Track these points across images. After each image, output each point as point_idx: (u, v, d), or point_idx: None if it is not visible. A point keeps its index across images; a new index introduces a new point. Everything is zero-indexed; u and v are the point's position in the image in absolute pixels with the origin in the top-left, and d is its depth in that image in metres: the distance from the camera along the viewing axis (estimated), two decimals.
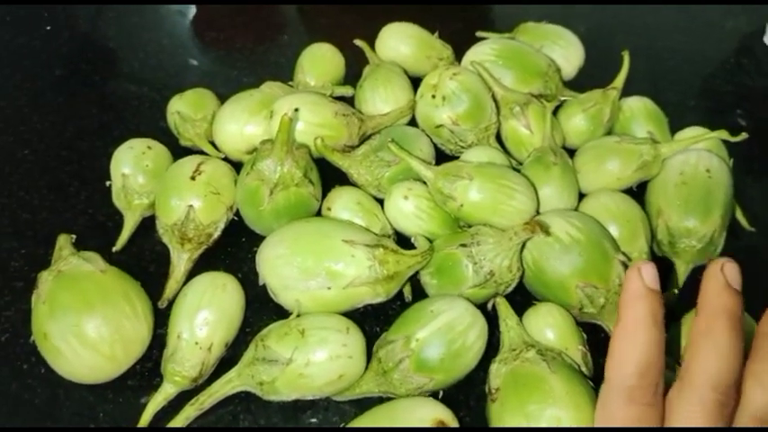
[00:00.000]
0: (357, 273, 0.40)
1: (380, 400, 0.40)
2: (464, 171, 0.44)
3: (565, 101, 0.54)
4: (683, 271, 0.46)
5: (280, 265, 0.41)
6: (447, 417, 0.37)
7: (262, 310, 0.44)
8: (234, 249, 0.48)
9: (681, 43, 0.66)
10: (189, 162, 0.46)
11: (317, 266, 0.40)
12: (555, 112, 0.54)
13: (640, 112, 0.53)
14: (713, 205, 0.46)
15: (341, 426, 0.40)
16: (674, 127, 0.54)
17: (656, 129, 0.53)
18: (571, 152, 0.52)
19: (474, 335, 0.40)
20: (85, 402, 0.40)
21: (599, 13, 0.69)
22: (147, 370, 0.42)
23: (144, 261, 0.47)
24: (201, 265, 0.46)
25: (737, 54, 0.66)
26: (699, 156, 0.48)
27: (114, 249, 0.46)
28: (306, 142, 0.47)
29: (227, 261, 0.47)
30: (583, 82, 0.58)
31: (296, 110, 0.46)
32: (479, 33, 0.62)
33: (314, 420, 0.41)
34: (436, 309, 0.40)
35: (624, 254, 0.43)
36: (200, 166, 0.45)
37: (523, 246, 0.43)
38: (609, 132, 0.54)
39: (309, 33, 0.65)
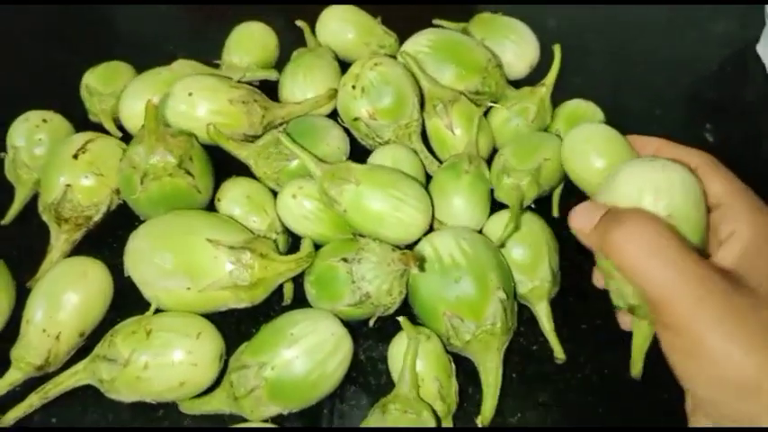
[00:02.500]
0: (216, 276, 0.38)
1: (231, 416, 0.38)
2: (352, 175, 0.40)
3: (492, 107, 0.49)
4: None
5: (140, 260, 0.39)
6: None
7: (141, 300, 0.42)
8: (124, 233, 0.45)
9: (660, 46, 0.60)
10: (77, 139, 0.44)
11: (177, 265, 0.38)
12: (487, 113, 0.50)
13: (570, 114, 0.48)
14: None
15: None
16: None
17: None
18: None
19: (335, 362, 0.37)
20: None
21: (574, 8, 0.63)
22: (5, 352, 0.40)
23: (29, 238, 0.45)
24: (85, 247, 0.45)
25: (724, 62, 0.59)
26: None
27: (2, 223, 0.46)
28: (202, 129, 0.44)
29: (114, 245, 0.45)
30: (537, 79, 0.53)
31: (189, 94, 0.44)
32: (436, 21, 0.58)
33: (166, 422, 0.39)
34: (297, 332, 0.37)
35: (506, 291, 0.38)
36: (87, 144, 0.43)
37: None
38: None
39: (262, 11, 0.62)
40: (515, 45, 0.53)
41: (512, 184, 0.42)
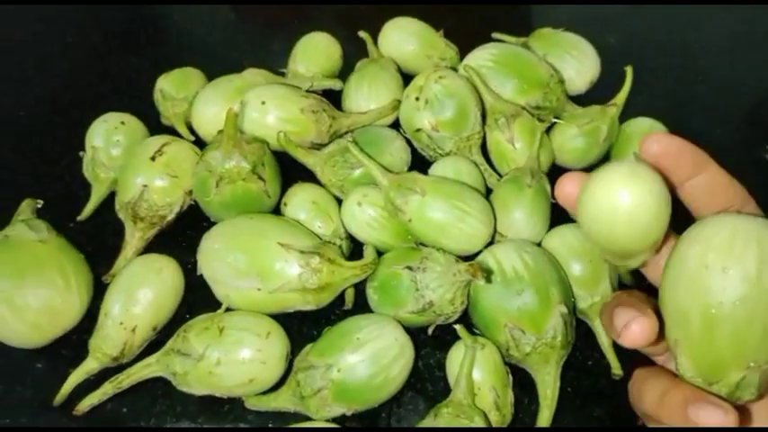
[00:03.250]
0: (286, 279, 0.39)
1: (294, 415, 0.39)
2: (418, 185, 0.41)
3: (555, 123, 0.50)
4: None
5: (214, 260, 0.41)
6: None
7: (209, 297, 0.44)
8: (193, 233, 0.47)
9: (721, 66, 0.60)
10: (154, 142, 0.46)
11: (249, 266, 0.40)
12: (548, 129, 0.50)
13: (640, 134, 0.49)
14: None
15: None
16: None
17: None
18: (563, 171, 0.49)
19: (398, 367, 0.38)
20: (18, 364, 0.42)
21: (634, 26, 0.63)
22: (84, 342, 0.42)
23: (104, 234, 0.47)
24: (157, 245, 0.47)
25: None
26: None
27: (78, 218, 0.48)
28: (272, 136, 0.46)
29: (183, 244, 0.47)
30: (598, 98, 0.53)
31: (263, 102, 0.45)
32: (495, 35, 0.59)
33: (231, 416, 0.41)
34: (363, 336, 0.38)
35: (567, 306, 0.39)
36: (164, 147, 0.45)
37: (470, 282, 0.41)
38: (606, 152, 0.50)
39: (324, 22, 0.64)
40: (577, 61, 0.54)
41: None
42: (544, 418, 0.39)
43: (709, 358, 0.27)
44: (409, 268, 0.41)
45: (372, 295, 0.42)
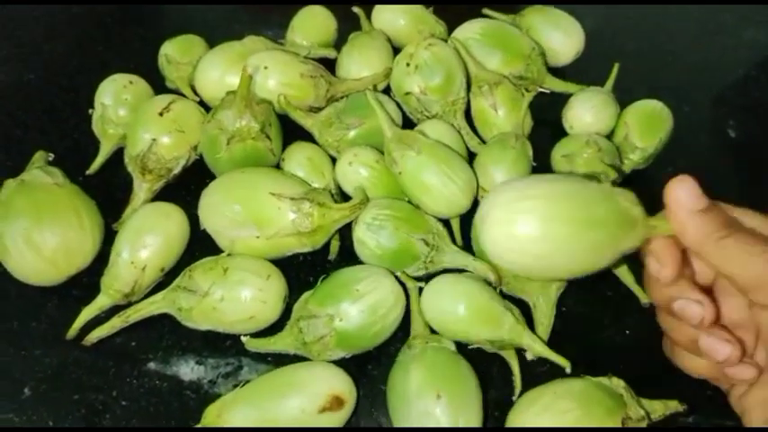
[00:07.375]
0: (281, 225, 0.42)
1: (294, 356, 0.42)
2: (416, 144, 0.45)
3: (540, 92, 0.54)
4: None
5: (213, 213, 0.44)
6: (344, 391, 0.39)
7: (212, 247, 0.47)
8: (196, 188, 0.50)
9: (690, 50, 0.64)
10: (161, 99, 0.49)
11: (246, 216, 0.43)
12: None
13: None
14: None
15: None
16: None
17: None
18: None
19: (394, 315, 0.42)
20: (32, 302, 0.45)
21: (608, 11, 0.68)
22: (93, 283, 0.45)
23: (113, 187, 0.50)
24: (163, 197, 0.49)
25: (751, 67, 0.63)
26: None
27: (87, 172, 0.51)
28: (273, 99, 0.49)
29: (187, 198, 0.50)
30: (574, 74, 0.58)
31: (265, 67, 0.49)
32: (485, 11, 0.62)
33: (233, 350, 0.44)
34: (362, 288, 0.41)
35: None
36: (171, 104, 0.48)
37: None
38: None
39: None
40: (563, 33, 0.58)
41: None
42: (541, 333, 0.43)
43: None
44: (426, 243, 0.44)
45: (375, 249, 0.44)
